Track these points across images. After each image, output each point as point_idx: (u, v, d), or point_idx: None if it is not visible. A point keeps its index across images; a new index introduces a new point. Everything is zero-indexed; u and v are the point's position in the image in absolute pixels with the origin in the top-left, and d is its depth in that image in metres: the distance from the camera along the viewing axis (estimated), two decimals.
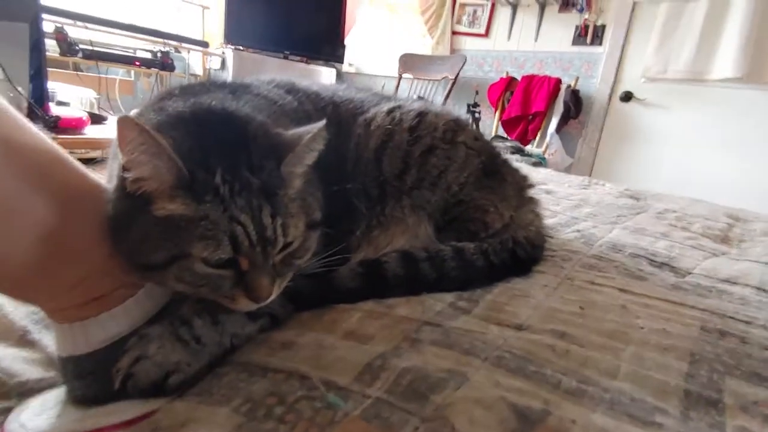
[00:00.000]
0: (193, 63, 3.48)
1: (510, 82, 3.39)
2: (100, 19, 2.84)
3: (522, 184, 0.75)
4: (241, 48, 3.31)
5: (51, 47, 2.54)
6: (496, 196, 0.68)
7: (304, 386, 0.41)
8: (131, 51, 3.14)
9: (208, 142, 0.45)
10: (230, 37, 3.32)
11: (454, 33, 3.64)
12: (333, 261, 0.54)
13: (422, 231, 0.63)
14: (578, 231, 0.88)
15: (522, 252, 0.66)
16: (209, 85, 0.60)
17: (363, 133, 0.63)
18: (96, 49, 2.85)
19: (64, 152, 0.44)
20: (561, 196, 1.16)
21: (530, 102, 3.26)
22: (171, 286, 0.44)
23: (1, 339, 0.52)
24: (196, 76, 3.42)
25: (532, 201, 0.76)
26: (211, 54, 3.35)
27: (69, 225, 0.42)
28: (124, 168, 0.42)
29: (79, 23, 2.66)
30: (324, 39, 3.56)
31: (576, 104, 3.20)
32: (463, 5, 3.58)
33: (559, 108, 3.22)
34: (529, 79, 3.31)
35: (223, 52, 3.34)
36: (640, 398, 0.39)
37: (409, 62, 3.47)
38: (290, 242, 0.47)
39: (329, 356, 0.45)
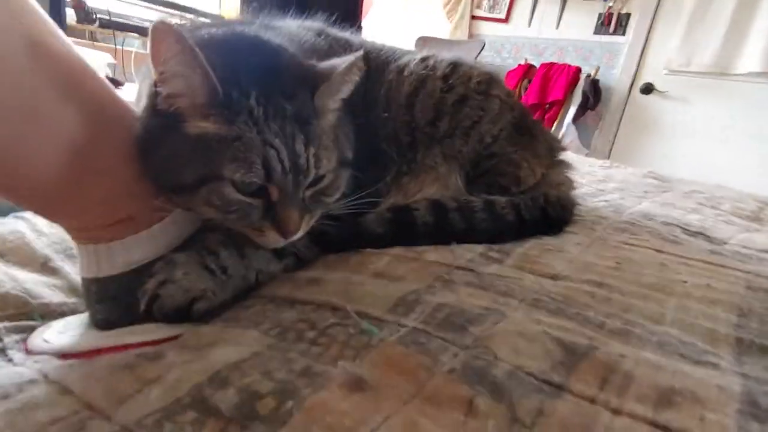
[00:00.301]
0: None
1: (528, 69, 3.33)
2: None
3: (553, 144, 0.73)
4: None
5: (68, 15, 2.53)
6: (528, 152, 0.65)
7: (336, 315, 0.39)
8: (147, 23, 3.12)
9: (242, 65, 0.43)
10: (248, 11, 3.28)
11: (473, 17, 3.57)
12: (361, 205, 0.53)
13: (453, 181, 0.61)
14: (606, 201, 0.86)
15: (553, 211, 0.63)
16: (238, 21, 0.58)
17: (395, 79, 0.61)
18: (114, 19, 2.83)
19: (94, 67, 0.42)
20: (584, 172, 1.14)
21: (548, 90, 3.21)
22: (199, 210, 0.43)
23: (23, 265, 0.51)
24: None
25: (563, 163, 0.74)
26: None
27: (96, 139, 0.40)
28: (157, 82, 0.40)
29: None
30: (342, 18, 3.51)
31: (595, 94, 3.13)
32: None
33: (577, 98, 3.16)
34: (548, 67, 3.25)
35: None
36: (690, 342, 0.37)
37: (427, 44, 3.42)
38: (321, 177, 0.46)
39: (359, 291, 0.43)
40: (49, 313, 0.45)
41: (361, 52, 0.46)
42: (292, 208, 0.43)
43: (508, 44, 3.50)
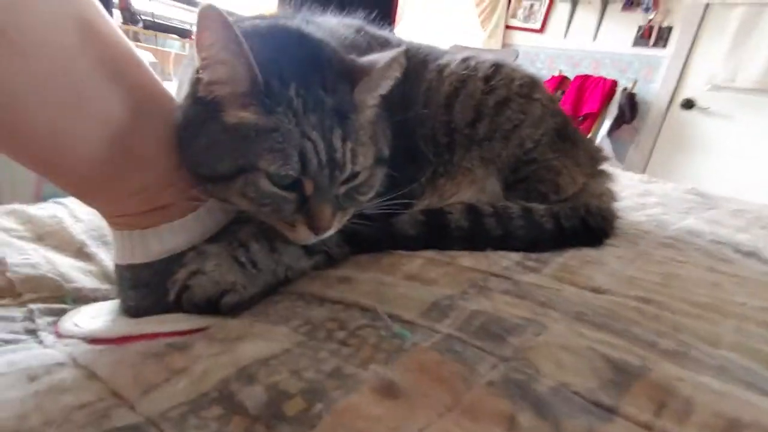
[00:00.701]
0: None
1: (562, 81, 3.26)
2: None
3: (595, 154, 0.70)
4: None
5: (115, 16, 2.64)
6: (569, 159, 0.63)
7: (366, 316, 0.38)
8: (188, 25, 3.23)
9: (284, 56, 0.43)
10: (283, 7, 3.35)
11: (507, 27, 3.54)
12: (395, 205, 0.51)
13: (490, 185, 0.59)
14: (648, 215, 0.82)
15: (593, 222, 0.60)
16: (280, 16, 0.58)
17: (435, 79, 0.60)
18: (157, 21, 2.94)
19: (140, 55, 0.43)
20: (624, 185, 1.09)
21: (582, 103, 3.13)
22: (234, 201, 0.42)
23: (59, 249, 0.52)
24: None
25: (605, 174, 0.70)
26: None
27: (138, 126, 0.40)
28: (200, 68, 0.40)
29: None
30: (377, 22, 3.54)
31: (631, 108, 3.04)
32: None
33: (612, 111, 3.07)
34: (583, 79, 3.17)
35: None
36: (754, 369, 0.34)
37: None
38: (356, 173, 0.45)
39: (391, 293, 0.42)
40: (82, 298, 0.46)
41: (403, 48, 0.44)
42: (325, 204, 0.43)
43: (543, 55, 3.44)
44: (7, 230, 0.51)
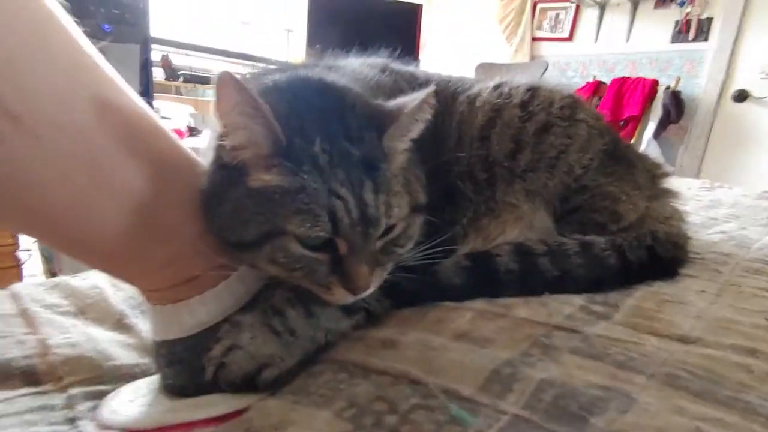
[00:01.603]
0: None
1: (597, 87, 3.14)
2: (199, 46, 3.12)
3: (655, 172, 0.63)
4: None
5: (156, 74, 2.83)
6: (626, 183, 0.56)
7: (417, 393, 0.33)
8: None
9: (306, 110, 0.41)
10: (311, 55, 3.47)
11: (534, 39, 3.48)
12: (436, 253, 0.47)
13: (539, 220, 0.53)
14: (723, 232, 0.72)
15: (663, 250, 0.53)
16: (302, 64, 0.57)
17: (466, 111, 0.56)
18: (195, 74, 3.13)
19: (162, 122, 0.42)
20: (687, 197, 0.99)
21: (622, 107, 2.98)
22: (264, 268, 0.40)
23: (99, 322, 0.51)
24: None
25: (669, 192, 0.63)
26: None
27: (162, 197, 0.39)
28: (221, 135, 0.38)
29: (181, 51, 2.94)
30: (400, 54, 3.60)
31: (677, 107, 2.86)
32: (544, 10, 3.42)
33: (656, 112, 2.90)
34: (620, 83, 3.04)
35: None
36: None
37: (487, 71, 3.36)
38: (392, 226, 0.41)
39: (441, 359, 0.37)
40: (121, 376, 0.44)
41: (432, 88, 0.41)
42: (361, 263, 0.39)
43: (574, 63, 3.34)
44: (50, 306, 0.51)
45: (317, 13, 3.48)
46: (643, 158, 0.64)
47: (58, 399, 0.40)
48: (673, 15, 2.93)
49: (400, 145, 0.43)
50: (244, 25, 3.74)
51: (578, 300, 0.46)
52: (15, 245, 1.28)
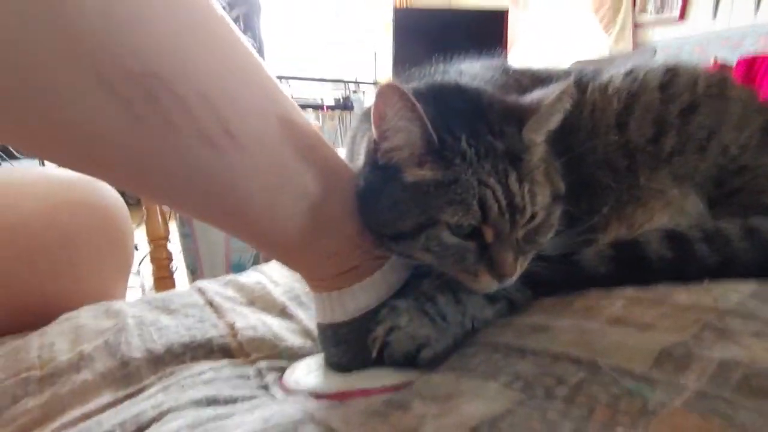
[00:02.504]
0: (367, 102, 3.88)
1: (721, 69, 2.77)
2: (296, 76, 3.43)
3: None
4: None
5: None
6: None
7: (583, 369, 0.34)
8: (319, 99, 3.69)
9: (448, 112, 0.45)
10: (398, 74, 3.59)
11: (636, 25, 3.21)
12: (576, 242, 0.47)
13: (690, 205, 0.50)
14: None
15: None
16: (427, 73, 0.61)
17: (598, 99, 0.55)
18: (294, 99, 3.44)
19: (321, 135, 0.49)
20: None
21: (757, 89, 2.59)
22: (418, 256, 0.44)
23: (267, 311, 0.60)
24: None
25: None
26: None
27: (329, 197, 0.45)
28: (378, 139, 0.43)
29: (283, 81, 3.25)
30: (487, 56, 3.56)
31: None
32: None
33: None
34: (750, 62, 2.64)
35: None
36: None
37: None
38: (534, 214, 0.43)
39: (602, 341, 0.37)
40: (293, 355, 0.51)
41: (570, 80, 0.43)
42: (506, 250, 0.42)
43: (688, 45, 3.01)
44: (230, 298, 0.61)
45: (402, 32, 3.61)
46: None
47: (250, 370, 0.48)
48: None
49: (539, 136, 0.44)
50: (333, 49, 4.01)
51: (747, 287, 0.42)
52: (169, 259, 1.51)
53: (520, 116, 0.44)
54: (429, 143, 0.41)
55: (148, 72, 0.30)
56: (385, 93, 0.40)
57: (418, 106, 0.39)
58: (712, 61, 2.83)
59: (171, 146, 0.33)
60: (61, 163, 0.37)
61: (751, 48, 2.71)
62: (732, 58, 2.75)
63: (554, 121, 0.44)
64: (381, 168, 0.45)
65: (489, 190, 0.40)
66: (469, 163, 0.41)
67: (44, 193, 0.67)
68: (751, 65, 2.64)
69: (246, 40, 0.42)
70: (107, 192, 0.74)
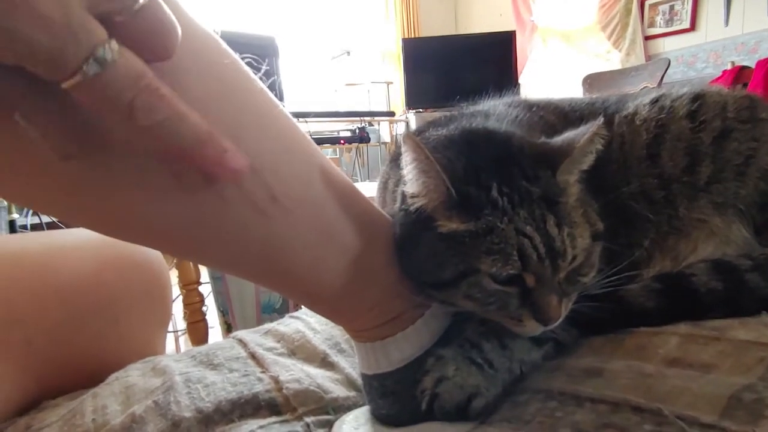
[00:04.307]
0: (383, 132, 3.95)
1: (739, 73, 2.73)
2: (312, 112, 3.52)
3: None
4: (420, 110, 3.61)
5: None
6: None
7: (647, 420, 0.33)
8: (336, 132, 3.78)
9: (477, 159, 0.45)
10: (410, 103, 3.68)
11: (647, 38, 3.21)
12: (619, 279, 0.46)
13: (735, 234, 0.49)
14: None
15: None
16: (453, 117, 0.62)
17: (626, 131, 0.55)
18: (313, 138, 3.53)
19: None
20: None
21: None
22: (459, 304, 0.44)
23: (309, 361, 0.60)
24: (385, 143, 3.86)
25: None
26: (397, 121, 3.75)
27: (369, 249, 0.46)
28: (404, 182, 0.44)
29: (300, 119, 3.35)
30: (497, 83, 3.61)
31: None
32: (654, 5, 3.16)
33: None
34: None
35: (407, 117, 3.69)
36: None
37: (596, 82, 3.17)
38: (575, 255, 0.42)
39: (662, 386, 0.36)
40: (338, 407, 0.51)
41: (601, 120, 0.43)
42: (549, 294, 0.41)
43: (702, 53, 2.99)
44: (271, 349, 0.62)
45: (411, 61, 3.71)
46: None
47: (299, 426, 0.48)
48: None
49: (573, 177, 0.44)
50: (347, 84, 4.12)
51: None
52: (201, 302, 1.54)
53: (553, 159, 0.43)
54: (448, 196, 0.41)
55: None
56: (405, 142, 0.41)
57: (431, 157, 0.39)
58: (729, 65, 2.80)
59: (224, 218, 0.35)
60: (119, 237, 0.39)
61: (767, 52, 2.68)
62: (749, 63, 2.71)
63: (587, 161, 0.44)
64: (416, 216, 0.45)
65: (527, 239, 0.40)
66: (503, 212, 0.40)
67: (90, 254, 0.70)
68: None
69: (279, 103, 0.44)
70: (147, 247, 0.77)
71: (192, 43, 0.32)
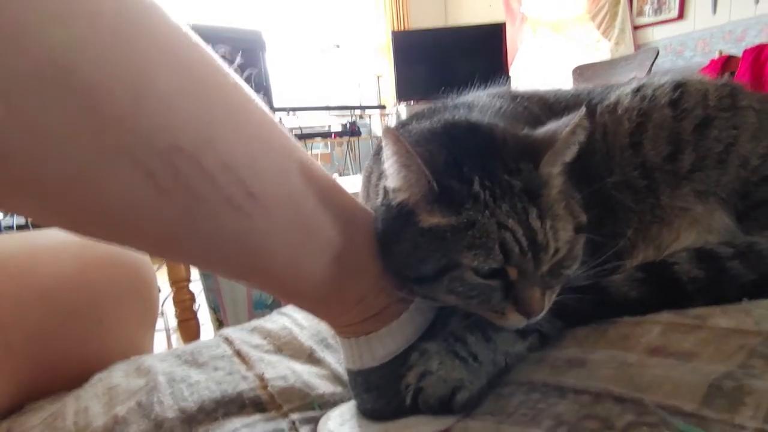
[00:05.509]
0: (374, 126, 3.94)
1: (727, 61, 2.75)
2: (303, 107, 3.50)
3: None
4: (411, 102, 3.60)
5: None
6: None
7: (629, 410, 0.33)
8: (327, 126, 3.76)
9: (460, 152, 0.44)
10: (401, 96, 3.66)
11: (635, 28, 3.21)
12: (603, 270, 0.46)
13: (717, 221, 0.49)
14: None
15: None
16: (436, 109, 0.61)
17: (609, 121, 0.55)
18: (303, 132, 3.51)
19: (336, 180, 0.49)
20: None
21: (764, 78, 2.56)
22: (442, 298, 0.44)
23: (295, 357, 0.59)
24: (377, 137, 3.85)
25: None
26: (388, 114, 3.73)
27: (350, 243, 0.45)
28: (388, 183, 0.44)
29: (290, 113, 3.33)
30: (488, 74, 3.60)
31: None
32: None
33: None
34: (757, 51, 2.62)
35: (397, 110, 3.68)
36: None
37: (586, 73, 3.17)
38: (558, 248, 0.42)
39: (643, 375, 0.36)
40: (324, 403, 0.50)
41: (583, 111, 0.42)
42: (532, 287, 0.41)
43: (690, 42, 3.00)
44: (257, 347, 0.61)
45: (401, 54, 3.68)
46: None
47: (284, 423, 0.47)
48: None
49: (556, 169, 0.44)
50: (337, 77, 4.09)
51: None
52: (191, 300, 1.52)
53: (535, 151, 0.43)
54: (429, 189, 0.40)
55: (173, 147, 0.31)
56: (385, 136, 0.40)
57: (412, 151, 0.39)
58: (717, 54, 2.81)
59: (197, 214, 0.34)
60: (92, 236, 0.38)
61: (755, 40, 2.69)
62: (736, 51, 2.73)
63: (570, 153, 0.44)
64: (397, 211, 0.44)
65: (509, 232, 0.39)
66: (485, 206, 0.40)
67: (72, 254, 0.69)
68: (758, 55, 2.61)
69: (260, 100, 0.43)
70: None
71: (156, 38, 0.32)
